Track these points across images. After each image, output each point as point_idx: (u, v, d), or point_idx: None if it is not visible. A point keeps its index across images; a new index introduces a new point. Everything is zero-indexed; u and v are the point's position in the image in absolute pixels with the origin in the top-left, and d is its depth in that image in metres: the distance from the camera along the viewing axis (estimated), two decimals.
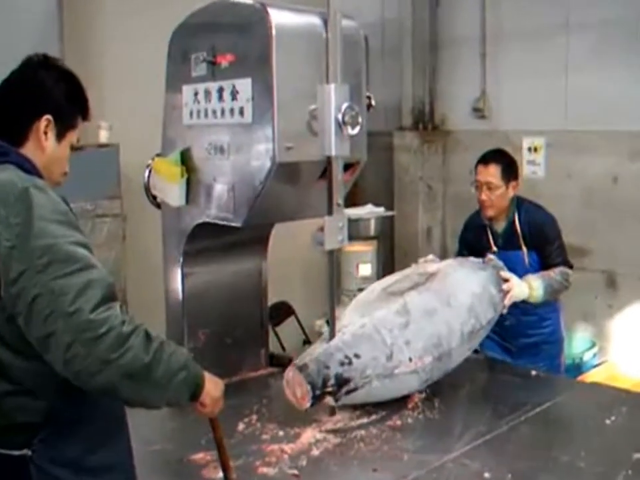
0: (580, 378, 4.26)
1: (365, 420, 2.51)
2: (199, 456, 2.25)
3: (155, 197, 2.89)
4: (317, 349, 2.46)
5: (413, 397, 2.67)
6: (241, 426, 2.49)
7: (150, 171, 2.85)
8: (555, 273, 3.12)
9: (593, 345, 4.68)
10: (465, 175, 5.37)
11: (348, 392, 2.39)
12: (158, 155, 2.85)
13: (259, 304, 3.07)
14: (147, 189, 2.89)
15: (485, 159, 3.25)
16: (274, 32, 2.25)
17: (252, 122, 2.34)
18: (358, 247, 5.18)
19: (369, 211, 5.26)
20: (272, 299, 4.60)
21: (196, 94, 2.58)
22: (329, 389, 2.35)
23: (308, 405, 2.34)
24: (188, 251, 2.77)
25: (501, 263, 2.96)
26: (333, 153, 2.29)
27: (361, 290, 5.17)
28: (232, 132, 2.44)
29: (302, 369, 2.36)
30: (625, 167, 4.56)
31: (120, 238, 3.77)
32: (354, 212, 5.21)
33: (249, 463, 2.22)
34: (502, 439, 2.36)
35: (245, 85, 2.35)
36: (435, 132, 5.60)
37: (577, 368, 4.41)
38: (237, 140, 2.42)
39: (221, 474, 2.04)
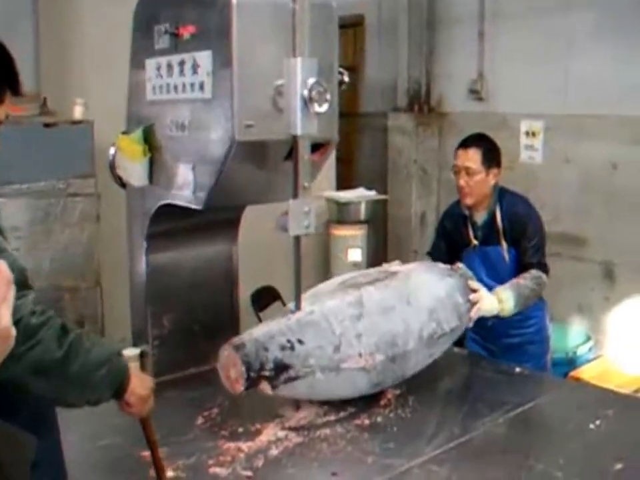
0: (573, 373, 4.13)
1: (331, 417, 2.36)
2: (149, 452, 2.12)
3: (120, 177, 2.74)
4: (260, 329, 2.28)
5: (386, 393, 2.51)
6: (199, 420, 2.35)
7: (116, 150, 2.70)
8: (526, 279, 2.88)
9: (588, 339, 4.51)
10: None
11: (287, 380, 2.19)
12: (124, 133, 2.69)
13: (230, 290, 2.91)
14: (112, 168, 2.74)
15: (465, 143, 3.05)
16: (234, 1, 2.08)
17: (212, 97, 2.17)
18: (347, 231, 5.04)
19: (359, 195, 5.10)
20: (257, 284, 4.50)
21: (158, 68, 2.42)
22: (266, 373, 2.16)
23: (242, 388, 2.16)
24: (152, 234, 2.62)
25: (470, 273, 2.76)
26: (299, 131, 2.11)
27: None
28: (192, 108, 2.27)
29: (238, 348, 2.17)
30: (626, 153, 4.37)
31: (94, 218, 3.62)
32: (343, 195, 5.07)
33: (201, 462, 2.08)
34: (476, 442, 2.20)
35: (205, 58, 2.18)
36: (431, 114, 5.42)
37: (571, 362, 4.26)
38: (197, 117, 2.25)
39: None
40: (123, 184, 2.75)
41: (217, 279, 2.86)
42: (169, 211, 2.52)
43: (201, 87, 2.21)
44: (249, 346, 2.17)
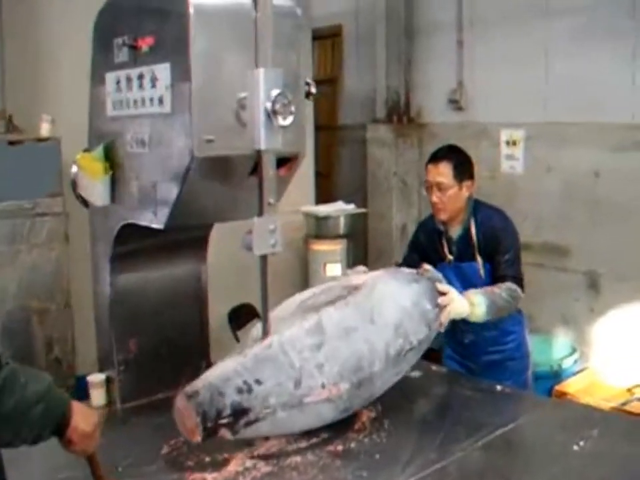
0: (558, 386, 4.04)
1: (302, 444, 2.24)
2: None
3: (82, 196, 2.64)
4: (215, 370, 2.14)
5: (360, 416, 2.41)
6: (165, 449, 2.23)
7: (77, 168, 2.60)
8: (500, 289, 2.75)
9: (573, 351, 4.42)
10: None
11: (248, 423, 2.06)
12: (85, 151, 2.59)
13: (199, 310, 2.81)
14: (74, 187, 2.64)
15: (435, 157, 2.95)
16: (191, 10, 1.99)
17: (171, 112, 2.08)
18: (326, 246, 4.96)
19: (337, 208, 5.01)
20: (235, 302, 4.39)
21: (118, 82, 2.32)
22: (224, 421, 2.02)
23: (199, 438, 2.02)
24: (116, 255, 2.51)
25: (438, 275, 2.63)
26: (263, 146, 2.02)
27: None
28: (152, 123, 2.18)
29: (191, 396, 2.03)
30: (608, 162, 4.28)
31: (62, 237, 3.51)
32: (322, 209, 4.99)
33: None
34: (452, 468, 2.09)
35: (163, 71, 2.09)
36: (410, 125, 5.34)
37: (556, 375, 4.17)
38: (158, 132, 2.16)
39: None
40: (86, 203, 2.64)
41: (186, 300, 2.76)
42: (133, 231, 2.42)
43: (160, 101, 2.11)
44: (203, 393, 2.03)
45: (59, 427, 1.46)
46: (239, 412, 2.03)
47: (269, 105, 1.97)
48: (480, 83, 4.87)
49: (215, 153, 2.05)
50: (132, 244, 2.50)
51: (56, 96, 3.63)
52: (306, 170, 5.48)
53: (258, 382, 2.07)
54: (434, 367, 2.93)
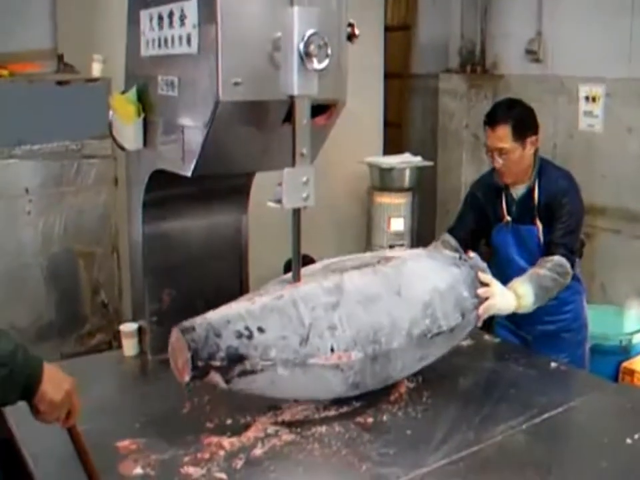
0: (626, 363, 3.77)
1: (331, 412, 2.11)
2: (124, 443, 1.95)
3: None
4: (219, 311, 1.97)
5: (399, 386, 2.26)
6: (186, 408, 2.15)
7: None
8: (547, 269, 2.48)
9: None
10: None
11: (242, 373, 1.88)
12: (123, 93, 2.47)
13: (238, 264, 2.69)
14: (111, 129, 2.53)
15: (491, 120, 2.65)
16: None
17: (198, 52, 1.92)
18: (390, 199, 4.74)
19: (402, 160, 4.77)
20: (286, 253, 4.27)
21: (151, 20, 2.18)
22: (216, 363, 1.85)
23: (187, 378, 1.87)
24: (147, 201, 2.41)
25: (483, 264, 2.39)
26: (295, 91, 1.85)
27: (392, 247, 4.80)
28: (180, 64, 2.03)
29: (186, 331, 1.88)
30: None
31: (110, 181, 3.43)
32: (386, 160, 4.76)
33: (176, 458, 1.88)
34: (490, 452, 1.92)
35: (191, 8, 1.92)
36: (484, 76, 5.01)
37: (625, 351, 3.88)
38: (185, 74, 2.02)
39: None
40: (122, 147, 2.53)
41: (224, 252, 2.65)
42: (165, 178, 2.30)
43: (188, 40, 1.96)
44: (198, 330, 1.88)
45: (26, 393, 1.36)
46: (235, 358, 1.87)
47: (301, 46, 1.79)
48: (560, 34, 4.48)
49: (243, 98, 1.89)
50: (163, 191, 2.39)
51: (109, 35, 3.51)
52: (374, 119, 5.29)
53: (260, 330, 1.90)
54: (486, 337, 2.74)
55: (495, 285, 2.32)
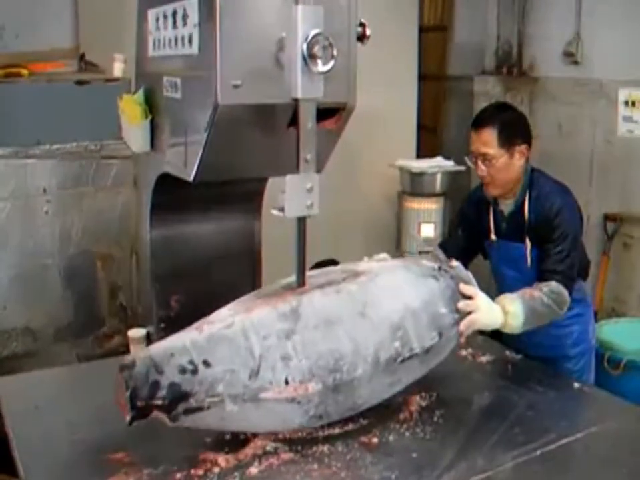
0: None
1: (336, 430, 2.01)
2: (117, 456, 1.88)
3: None
4: (165, 342, 1.84)
5: (410, 403, 2.16)
6: None
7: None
8: (543, 292, 2.28)
9: None
10: (552, 129, 4.68)
11: (188, 411, 1.75)
12: (134, 93, 2.42)
13: (251, 270, 2.62)
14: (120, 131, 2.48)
15: (477, 122, 2.44)
16: None
17: (198, 53, 1.85)
18: (421, 204, 4.63)
19: (434, 164, 4.65)
20: (320, 256, 4.19)
21: (157, 19, 2.11)
22: (158, 402, 1.73)
23: (128, 418, 1.74)
24: (155, 205, 2.36)
25: (467, 273, 2.20)
26: (299, 94, 1.77)
27: (422, 253, 4.67)
28: (182, 65, 1.97)
29: (125, 367, 1.75)
30: None
31: (130, 182, 3.39)
32: (416, 164, 4.65)
33: (168, 474, 1.80)
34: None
35: (192, 6, 1.85)
36: (521, 78, 4.86)
37: None
38: (187, 75, 1.95)
39: None
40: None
41: (236, 258, 2.60)
42: (173, 182, 2.22)
43: (190, 40, 1.89)
44: (139, 366, 1.75)
45: None
46: (178, 395, 1.74)
47: (305, 47, 1.70)
48: (599, 36, 4.32)
49: (244, 101, 1.80)
50: (171, 195, 2.33)
51: (132, 34, 3.47)
52: (408, 122, 5.17)
53: (206, 363, 1.76)
54: (507, 352, 2.61)
55: (480, 297, 2.14)
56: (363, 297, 1.95)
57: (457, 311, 2.08)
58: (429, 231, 4.69)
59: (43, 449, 1.89)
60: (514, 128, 2.44)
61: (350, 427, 2.03)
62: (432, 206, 4.67)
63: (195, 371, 1.75)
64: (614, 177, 4.19)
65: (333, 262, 4.39)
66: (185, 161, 1.98)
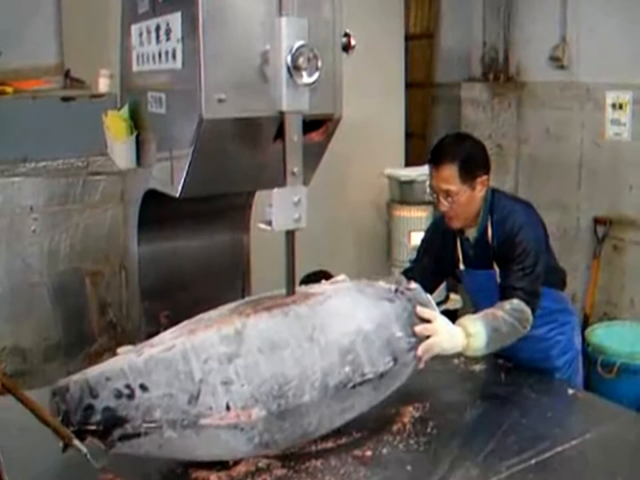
0: None
1: (329, 444, 1.99)
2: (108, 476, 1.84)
3: None
4: (104, 365, 1.76)
5: (403, 415, 2.14)
6: None
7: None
8: (505, 312, 2.20)
9: None
10: (540, 134, 4.69)
11: (124, 437, 1.67)
12: (120, 109, 2.41)
13: (240, 285, 2.60)
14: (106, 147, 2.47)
15: (435, 158, 2.37)
16: None
17: (182, 67, 1.84)
18: (410, 213, 4.63)
19: (422, 172, 4.63)
20: (311, 267, 4.17)
21: (140, 34, 2.11)
22: (92, 427, 1.65)
23: (61, 443, 1.64)
24: (143, 221, 2.35)
25: (425, 296, 2.12)
26: (284, 106, 1.77)
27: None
28: (167, 80, 1.96)
29: (58, 391, 1.68)
30: None
31: (117, 198, 3.37)
32: (405, 173, 4.65)
33: None
34: None
35: (175, 21, 1.84)
36: (508, 84, 4.87)
37: None
38: (171, 90, 1.94)
39: None
40: None
41: (225, 273, 2.57)
42: (159, 197, 2.21)
43: (173, 55, 1.88)
44: (72, 390, 1.67)
45: None
46: (113, 421, 1.66)
47: (289, 59, 1.69)
48: (585, 40, 4.33)
49: (229, 115, 1.79)
50: (158, 211, 2.32)
51: (116, 49, 3.47)
52: (396, 130, 5.17)
53: (143, 387, 1.69)
54: (500, 360, 2.60)
55: (439, 320, 2.07)
56: (312, 320, 1.88)
57: (414, 334, 2.02)
58: (419, 239, 4.65)
59: (31, 468, 1.86)
60: (474, 161, 2.36)
61: (343, 440, 2.02)
62: (422, 214, 4.68)
63: (131, 396, 1.68)
64: (603, 180, 4.19)
65: (324, 273, 4.40)
66: (171, 176, 1.97)
